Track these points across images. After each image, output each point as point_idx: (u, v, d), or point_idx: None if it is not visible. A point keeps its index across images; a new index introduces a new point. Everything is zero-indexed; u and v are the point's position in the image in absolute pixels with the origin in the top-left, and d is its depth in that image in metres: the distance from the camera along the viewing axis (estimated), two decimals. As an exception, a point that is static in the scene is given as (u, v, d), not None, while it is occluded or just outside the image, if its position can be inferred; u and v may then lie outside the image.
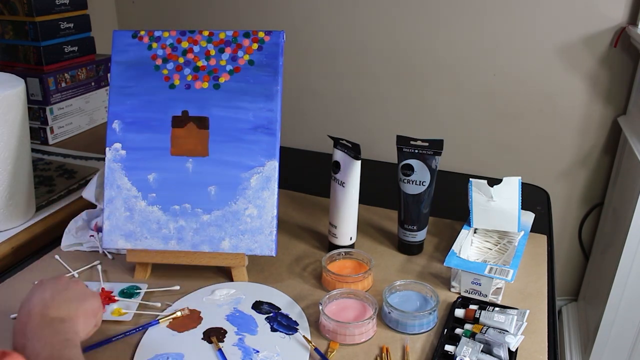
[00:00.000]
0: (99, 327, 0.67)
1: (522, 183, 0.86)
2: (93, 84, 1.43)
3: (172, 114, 0.84)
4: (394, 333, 0.73)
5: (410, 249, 0.92)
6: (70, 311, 0.62)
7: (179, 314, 0.75)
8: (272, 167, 0.82)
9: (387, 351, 0.69)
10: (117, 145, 0.84)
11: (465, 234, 0.87)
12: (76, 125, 1.39)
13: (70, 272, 0.85)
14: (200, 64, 0.85)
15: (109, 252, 0.89)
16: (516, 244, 0.85)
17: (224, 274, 0.85)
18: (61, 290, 0.64)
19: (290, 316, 0.75)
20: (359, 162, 0.85)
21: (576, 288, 1.65)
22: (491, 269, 0.77)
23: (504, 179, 0.86)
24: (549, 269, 0.87)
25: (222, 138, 0.83)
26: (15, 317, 0.66)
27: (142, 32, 0.86)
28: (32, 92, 1.29)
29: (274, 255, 0.81)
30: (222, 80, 0.84)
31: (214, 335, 0.71)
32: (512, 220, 0.86)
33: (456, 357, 0.66)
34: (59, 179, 1.12)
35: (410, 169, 0.87)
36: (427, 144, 0.86)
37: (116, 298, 0.78)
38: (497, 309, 0.73)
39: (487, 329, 0.69)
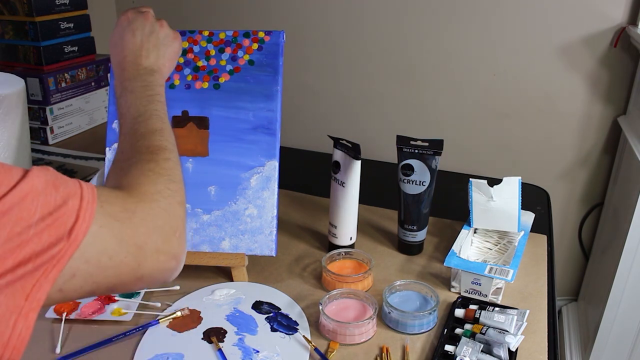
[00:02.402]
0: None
1: (522, 183, 0.86)
2: (93, 84, 1.43)
3: (172, 114, 0.84)
4: (394, 333, 0.73)
5: (410, 249, 0.92)
6: (159, 59, 0.67)
7: (179, 314, 0.75)
8: (272, 167, 0.82)
9: (387, 351, 0.69)
10: (117, 145, 0.84)
11: (465, 234, 0.87)
12: (76, 125, 1.39)
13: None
14: (200, 64, 0.85)
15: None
16: (516, 244, 0.85)
17: (224, 274, 0.85)
18: (149, 34, 0.67)
19: (290, 316, 0.75)
20: (359, 162, 0.85)
21: (576, 288, 1.65)
22: (491, 269, 0.77)
23: (504, 179, 0.86)
24: (549, 269, 0.87)
25: (222, 138, 0.83)
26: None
27: (142, 32, 0.86)
28: (32, 92, 1.29)
29: (274, 255, 0.81)
30: (222, 80, 0.84)
31: (214, 335, 0.71)
32: (512, 220, 0.86)
33: (456, 357, 0.66)
34: (59, 179, 1.12)
35: (410, 169, 0.87)
36: (427, 144, 0.86)
37: (116, 298, 0.78)
38: (497, 309, 0.73)
39: (487, 329, 0.69)
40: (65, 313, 0.74)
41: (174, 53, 0.70)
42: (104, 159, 0.85)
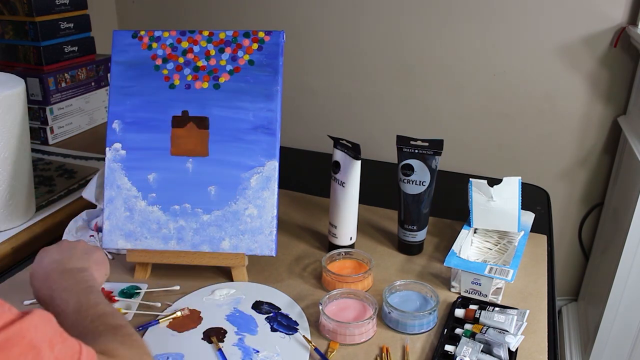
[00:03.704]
0: (108, 276, 0.69)
1: (522, 183, 0.86)
2: (93, 84, 1.43)
3: (172, 114, 0.84)
4: (394, 333, 0.73)
5: (410, 249, 0.92)
6: (84, 263, 0.64)
7: (179, 314, 0.75)
8: (272, 167, 0.82)
9: (387, 351, 0.69)
10: (117, 145, 0.84)
11: (465, 234, 0.87)
12: (76, 125, 1.39)
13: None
14: (200, 64, 0.85)
15: (109, 252, 0.89)
16: (516, 244, 0.85)
17: (224, 274, 0.85)
18: (67, 250, 0.66)
19: (290, 316, 0.75)
20: (359, 162, 0.85)
21: (576, 288, 1.65)
22: (491, 269, 0.77)
23: (504, 179, 0.86)
24: (549, 269, 0.87)
25: (222, 138, 0.83)
26: (29, 302, 0.66)
27: (142, 32, 0.86)
28: (32, 92, 1.29)
29: (274, 255, 0.81)
30: (222, 80, 0.84)
31: (214, 335, 0.71)
32: (512, 220, 0.86)
33: (456, 357, 0.66)
34: (59, 179, 1.12)
35: (410, 169, 0.87)
36: (427, 144, 0.86)
37: (116, 298, 0.78)
38: (497, 309, 0.73)
39: (487, 329, 0.69)
40: (65, 313, 0.74)
41: (101, 260, 0.67)
42: (104, 159, 0.85)
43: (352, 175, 0.86)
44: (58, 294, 0.57)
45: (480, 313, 0.72)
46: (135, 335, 0.53)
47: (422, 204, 0.88)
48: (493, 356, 0.66)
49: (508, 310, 0.73)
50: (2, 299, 0.36)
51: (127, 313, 0.75)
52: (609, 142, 1.46)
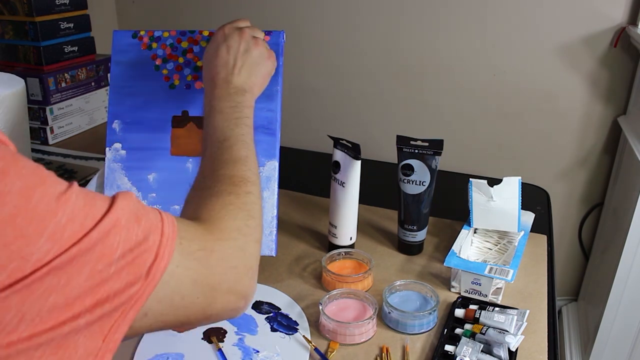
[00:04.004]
0: None
1: (522, 183, 0.86)
2: (93, 84, 1.43)
3: (172, 114, 0.84)
4: (394, 333, 0.73)
5: (410, 249, 0.91)
6: (251, 77, 0.66)
7: (179, 314, 0.75)
8: (272, 167, 0.82)
9: (387, 351, 0.69)
10: (117, 145, 0.84)
11: (465, 234, 0.87)
12: (76, 125, 1.39)
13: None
14: (200, 64, 0.85)
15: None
16: (516, 244, 0.85)
17: (224, 274, 0.85)
18: (243, 52, 0.67)
19: (290, 316, 0.75)
20: (359, 162, 0.85)
21: (576, 288, 1.65)
22: (491, 269, 0.77)
23: (504, 179, 0.86)
24: (549, 269, 0.87)
25: (222, 138, 0.82)
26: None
27: (142, 32, 0.86)
28: (32, 92, 1.29)
29: (274, 255, 0.81)
30: (222, 80, 0.84)
31: (214, 335, 0.71)
32: (512, 220, 0.86)
33: (456, 357, 0.66)
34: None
35: (410, 169, 0.87)
36: (427, 144, 0.86)
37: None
38: (497, 309, 0.73)
39: (487, 329, 0.69)
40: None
41: (267, 73, 0.69)
42: (104, 159, 0.85)
43: (352, 175, 0.86)
44: (213, 115, 0.62)
45: (480, 313, 0.72)
46: (250, 196, 0.54)
47: (422, 204, 0.88)
48: (493, 356, 0.66)
49: (508, 310, 0.73)
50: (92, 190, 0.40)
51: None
52: (609, 142, 1.46)
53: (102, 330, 0.36)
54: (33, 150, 1.04)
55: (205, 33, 0.86)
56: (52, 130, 1.33)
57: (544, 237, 0.96)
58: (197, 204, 0.52)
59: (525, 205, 0.91)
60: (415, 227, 0.90)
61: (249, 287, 0.49)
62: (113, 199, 0.40)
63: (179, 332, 0.72)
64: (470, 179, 0.88)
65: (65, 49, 1.36)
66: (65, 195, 0.36)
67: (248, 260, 0.49)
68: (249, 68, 0.67)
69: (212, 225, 0.48)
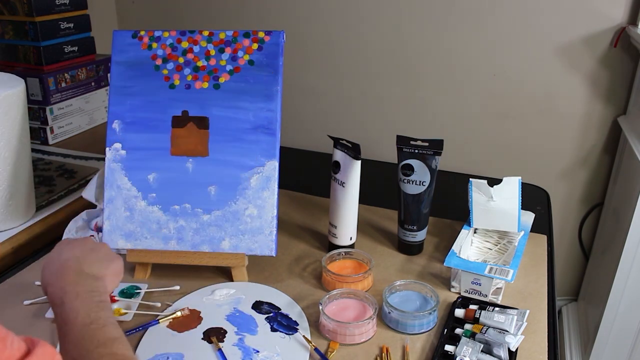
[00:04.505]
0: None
1: (522, 183, 0.86)
2: (93, 84, 1.43)
3: (172, 114, 0.84)
4: (394, 333, 0.73)
5: (410, 249, 0.92)
6: (101, 270, 0.63)
7: (179, 314, 0.75)
8: (272, 167, 0.82)
9: (387, 351, 0.69)
10: (117, 145, 0.84)
11: (465, 234, 0.87)
12: (76, 125, 1.39)
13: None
14: (200, 64, 0.85)
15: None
16: (516, 244, 0.85)
17: (224, 274, 0.85)
18: (90, 249, 0.65)
19: (290, 316, 0.75)
20: (359, 162, 0.85)
21: (576, 288, 1.65)
22: (491, 269, 0.77)
23: (504, 179, 0.86)
24: (549, 269, 0.87)
25: (222, 138, 0.83)
26: (38, 283, 0.65)
27: (142, 32, 0.86)
28: (32, 92, 1.29)
29: (274, 255, 0.81)
30: (222, 80, 0.84)
31: (214, 335, 0.71)
32: (512, 220, 0.86)
33: (456, 357, 0.66)
34: (59, 179, 1.12)
35: (410, 169, 0.87)
36: (427, 144, 0.86)
37: (116, 298, 0.78)
38: (497, 309, 0.73)
39: (487, 329, 0.69)
40: (65, 313, 0.74)
41: (118, 269, 0.66)
42: (104, 159, 0.85)
43: (352, 175, 0.86)
44: (69, 300, 0.56)
45: (480, 313, 0.72)
46: None
47: (422, 204, 0.89)
48: (493, 356, 0.66)
49: (508, 310, 0.73)
50: (5, 329, 0.36)
51: (127, 313, 0.75)
52: (609, 142, 1.46)
53: None
54: (33, 150, 1.04)
55: (205, 33, 0.86)
56: (52, 130, 1.33)
57: (544, 237, 0.96)
58: None
59: (525, 205, 0.91)
60: (415, 227, 0.90)
61: None
62: (28, 351, 0.36)
63: (179, 331, 0.72)
64: (470, 179, 0.88)
65: (65, 49, 1.36)
66: None
67: None
68: (98, 262, 0.64)
69: None
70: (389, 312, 0.73)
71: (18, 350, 0.35)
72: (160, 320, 0.74)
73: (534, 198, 1.10)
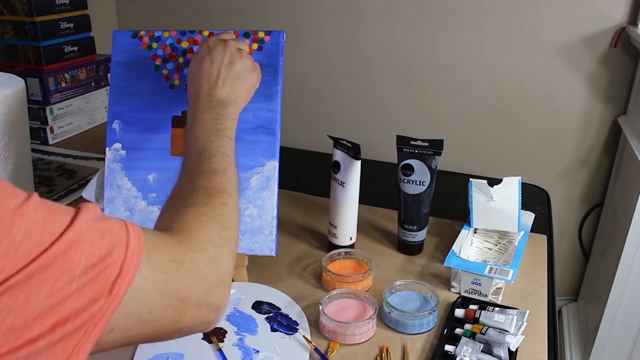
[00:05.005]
0: None
1: (522, 183, 0.86)
2: (93, 84, 1.43)
3: (172, 114, 0.84)
4: (394, 333, 0.73)
5: (410, 249, 0.92)
6: (234, 90, 0.65)
7: (179, 314, 0.75)
8: (272, 167, 0.82)
9: (387, 351, 0.69)
10: (117, 145, 0.84)
11: (465, 234, 0.87)
12: (76, 125, 1.39)
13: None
14: (200, 64, 0.84)
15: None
16: (516, 244, 0.85)
17: (224, 274, 0.85)
18: (227, 64, 0.66)
19: (290, 316, 0.75)
20: (359, 162, 0.85)
21: (576, 288, 1.65)
22: (491, 269, 0.77)
23: (504, 179, 0.86)
24: (549, 269, 0.87)
25: (222, 138, 0.82)
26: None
27: (142, 32, 0.86)
28: (32, 92, 1.29)
29: (274, 255, 0.81)
30: (222, 80, 0.84)
31: (214, 335, 0.71)
32: (512, 220, 0.86)
33: (456, 357, 0.66)
34: (59, 179, 1.12)
35: (410, 169, 0.87)
36: (427, 144, 0.86)
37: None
38: (497, 309, 0.73)
39: (487, 329, 0.69)
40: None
41: (251, 85, 0.68)
42: (104, 159, 0.85)
43: (352, 175, 0.86)
44: (195, 125, 0.61)
45: (480, 313, 0.72)
46: (226, 208, 0.53)
47: (422, 204, 0.88)
48: (493, 356, 0.66)
49: (508, 310, 0.73)
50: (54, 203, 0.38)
51: (127, 313, 0.75)
52: (609, 142, 1.46)
53: (65, 351, 0.35)
54: (33, 150, 1.04)
55: (205, 33, 0.86)
56: (52, 130, 1.33)
57: (544, 237, 0.96)
58: (170, 215, 0.51)
59: (525, 205, 0.91)
60: (415, 227, 0.90)
61: (221, 300, 0.47)
62: (76, 212, 0.38)
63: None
64: (470, 179, 0.88)
65: (65, 49, 1.36)
66: (22, 209, 0.35)
67: (220, 272, 0.47)
68: (232, 80, 0.66)
69: (183, 236, 0.47)
70: (389, 312, 0.73)
71: (69, 214, 0.38)
72: (160, 320, 0.74)
73: (534, 198, 1.10)
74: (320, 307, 0.72)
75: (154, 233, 0.45)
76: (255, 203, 0.81)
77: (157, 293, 0.41)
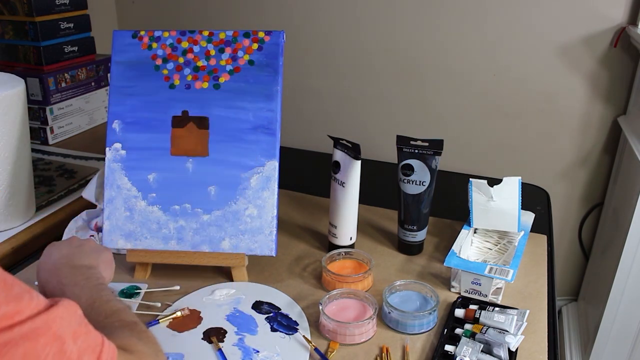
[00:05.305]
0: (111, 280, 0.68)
1: (522, 183, 0.86)
2: (93, 84, 1.43)
3: (172, 114, 0.84)
4: (394, 333, 0.73)
5: (410, 249, 0.92)
6: (92, 261, 0.63)
7: (179, 314, 0.75)
8: (272, 167, 0.82)
9: (387, 351, 0.69)
10: (117, 145, 0.84)
11: (465, 234, 0.87)
12: (76, 125, 1.39)
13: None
14: (200, 64, 0.85)
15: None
16: (516, 244, 0.85)
17: (224, 274, 0.85)
18: (76, 246, 0.65)
19: (290, 316, 0.75)
20: (359, 162, 0.85)
21: (576, 288, 1.65)
22: (491, 269, 0.77)
23: (504, 179, 0.86)
24: (549, 269, 0.87)
25: (222, 138, 0.83)
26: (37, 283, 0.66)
27: (142, 32, 0.86)
28: (32, 92, 1.29)
29: (274, 255, 0.81)
30: (222, 80, 0.84)
31: (214, 335, 0.71)
32: (512, 220, 0.86)
33: (456, 357, 0.66)
34: (59, 179, 1.12)
35: (410, 169, 0.87)
36: (427, 144, 0.86)
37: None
38: (497, 309, 0.73)
39: (487, 329, 0.69)
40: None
41: (109, 260, 0.67)
42: (104, 159, 0.85)
43: (352, 175, 0.86)
44: (69, 289, 0.57)
45: (480, 313, 0.72)
46: (149, 332, 0.53)
47: (422, 204, 0.88)
48: (493, 356, 0.66)
49: (508, 310, 0.73)
50: (29, 286, 0.37)
51: (127, 313, 0.75)
52: (609, 142, 1.46)
53: None
54: (33, 150, 1.04)
55: (205, 33, 0.86)
56: (52, 130, 1.33)
57: (544, 237, 0.96)
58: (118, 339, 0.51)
59: (525, 205, 0.91)
60: (415, 227, 0.90)
61: None
62: (54, 305, 0.37)
63: (179, 331, 0.72)
64: (470, 179, 0.88)
65: (65, 49, 1.36)
66: None
67: None
68: (88, 254, 0.64)
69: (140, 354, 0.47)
70: (389, 312, 0.73)
71: (44, 302, 0.36)
72: (160, 320, 0.74)
73: (534, 198, 1.10)
74: (320, 307, 0.72)
75: (123, 352, 0.45)
76: (255, 203, 0.81)
77: None
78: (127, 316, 0.54)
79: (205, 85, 0.84)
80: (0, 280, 0.35)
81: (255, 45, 0.84)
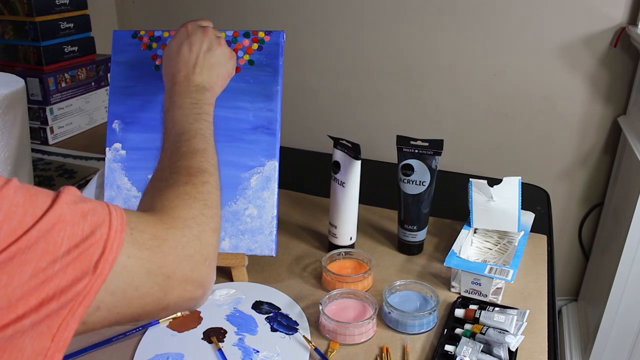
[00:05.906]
0: None
1: (522, 183, 0.86)
2: (93, 84, 1.43)
3: (172, 114, 0.83)
4: (394, 333, 0.73)
5: (410, 249, 0.92)
6: (212, 77, 0.66)
7: (179, 313, 0.75)
8: (272, 167, 0.82)
9: (387, 351, 0.69)
10: (117, 145, 0.84)
11: (465, 234, 0.87)
12: (76, 125, 1.39)
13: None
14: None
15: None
16: (516, 244, 0.85)
17: (224, 274, 0.85)
18: (205, 50, 0.67)
19: (290, 316, 0.75)
20: (359, 162, 0.85)
21: (576, 288, 1.65)
22: (491, 269, 0.77)
23: (504, 179, 0.86)
24: (549, 269, 0.87)
25: (222, 138, 0.82)
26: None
27: (142, 32, 0.86)
28: (32, 92, 1.29)
29: (274, 255, 0.81)
30: (222, 80, 0.84)
31: (214, 335, 0.71)
32: (512, 220, 0.86)
33: (456, 357, 0.66)
34: (59, 179, 1.12)
35: (410, 169, 0.87)
36: (427, 144, 0.86)
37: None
38: (497, 309, 0.73)
39: (487, 329, 0.69)
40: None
41: (228, 72, 0.69)
42: (104, 159, 0.85)
43: (352, 175, 0.86)
44: (172, 110, 0.62)
45: (480, 313, 0.72)
46: (209, 185, 0.53)
47: (422, 204, 0.88)
48: (493, 356, 0.66)
49: (508, 310, 0.73)
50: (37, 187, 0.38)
51: (127, 313, 0.75)
52: (609, 142, 1.46)
53: (50, 329, 0.35)
54: (33, 150, 1.04)
55: (205, 33, 0.85)
56: (52, 130, 1.33)
57: (544, 237, 0.96)
58: (152, 196, 0.52)
59: (525, 205, 0.91)
60: (415, 227, 0.90)
61: (207, 276, 0.48)
62: (57, 194, 0.39)
63: (179, 331, 0.72)
64: (470, 179, 0.88)
65: (65, 49, 1.36)
66: (2, 192, 0.35)
67: (204, 249, 0.48)
68: (210, 67, 0.67)
69: (165, 214, 0.47)
70: (389, 312, 0.73)
71: (48, 195, 0.38)
72: (160, 320, 0.74)
73: (534, 198, 1.10)
74: (320, 307, 0.72)
75: (136, 213, 0.46)
76: (255, 203, 0.81)
77: (142, 270, 0.41)
78: (198, 161, 0.55)
79: (205, 85, 0.84)
80: (22, 187, 0.37)
81: (255, 45, 0.84)
